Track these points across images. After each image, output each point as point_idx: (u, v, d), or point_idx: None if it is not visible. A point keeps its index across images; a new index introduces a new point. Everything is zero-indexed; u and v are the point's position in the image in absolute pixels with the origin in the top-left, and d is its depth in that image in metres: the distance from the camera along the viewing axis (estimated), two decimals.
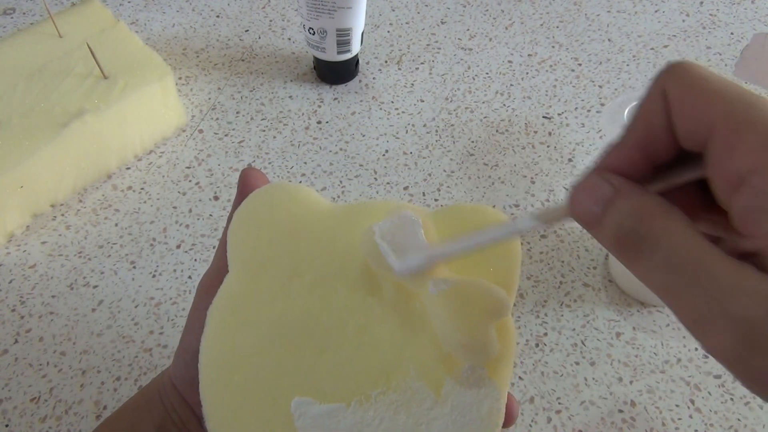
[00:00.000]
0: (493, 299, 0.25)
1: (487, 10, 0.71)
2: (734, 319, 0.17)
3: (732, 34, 0.68)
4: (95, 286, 0.48)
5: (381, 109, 0.61)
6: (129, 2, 0.73)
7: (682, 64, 0.19)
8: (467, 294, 0.25)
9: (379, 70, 0.65)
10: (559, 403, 0.42)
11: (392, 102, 0.61)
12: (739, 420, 0.41)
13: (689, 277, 0.18)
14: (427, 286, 0.26)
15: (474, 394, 0.26)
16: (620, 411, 0.42)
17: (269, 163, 0.56)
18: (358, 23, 0.58)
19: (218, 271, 0.30)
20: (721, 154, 0.18)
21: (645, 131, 0.20)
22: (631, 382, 0.43)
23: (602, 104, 0.61)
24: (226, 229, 0.30)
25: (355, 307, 0.28)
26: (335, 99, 0.62)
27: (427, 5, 0.73)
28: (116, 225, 0.52)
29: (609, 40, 0.68)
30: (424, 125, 0.59)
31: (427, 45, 0.67)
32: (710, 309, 0.17)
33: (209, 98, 0.62)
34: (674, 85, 0.19)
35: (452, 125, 0.59)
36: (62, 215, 0.52)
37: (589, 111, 0.60)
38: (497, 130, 0.59)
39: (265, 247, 0.29)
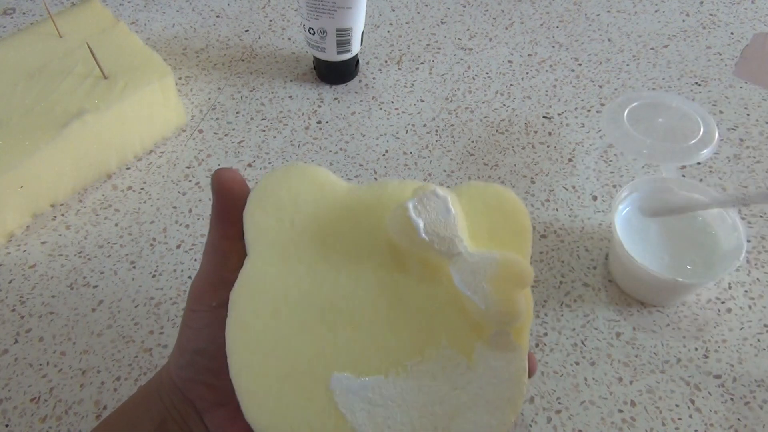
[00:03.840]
0: (522, 269, 0.27)
1: (487, 10, 0.71)
2: None
3: (732, 33, 0.68)
4: (95, 286, 0.48)
5: (381, 109, 0.61)
6: (129, 2, 0.73)
7: None
8: (499, 265, 0.27)
9: (379, 70, 0.65)
10: (559, 403, 0.42)
11: (392, 102, 0.61)
12: (739, 420, 0.41)
13: None
14: (453, 258, 0.28)
15: (503, 357, 0.28)
16: (620, 411, 0.42)
17: (269, 163, 0.56)
18: (358, 23, 0.58)
19: (209, 275, 0.30)
20: None
21: None
22: (631, 382, 0.43)
23: (602, 104, 0.61)
24: (211, 234, 0.30)
25: (384, 284, 0.29)
26: (335, 99, 0.62)
27: (427, 5, 0.73)
28: (116, 225, 0.52)
29: (609, 40, 0.68)
30: (424, 125, 0.59)
31: (427, 45, 0.67)
32: None
33: (209, 98, 0.62)
34: None
35: (452, 125, 0.59)
36: (62, 215, 0.52)
37: (589, 111, 0.60)
38: (497, 130, 0.59)
39: (287, 229, 0.30)
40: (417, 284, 0.29)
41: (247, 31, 0.69)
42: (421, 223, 0.27)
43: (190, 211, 0.52)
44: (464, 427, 0.28)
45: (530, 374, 0.30)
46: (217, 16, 0.71)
